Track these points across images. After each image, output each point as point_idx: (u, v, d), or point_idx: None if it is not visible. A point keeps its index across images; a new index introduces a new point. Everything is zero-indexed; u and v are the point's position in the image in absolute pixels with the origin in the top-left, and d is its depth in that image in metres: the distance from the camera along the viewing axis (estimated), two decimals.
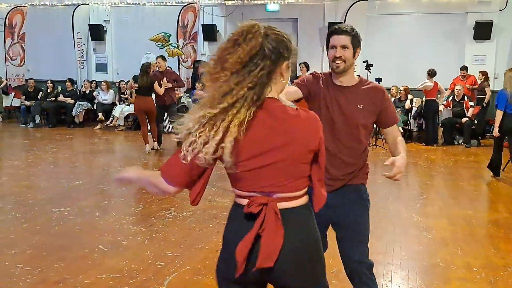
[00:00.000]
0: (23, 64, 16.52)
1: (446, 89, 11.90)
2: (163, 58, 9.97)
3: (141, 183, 2.08)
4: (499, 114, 7.61)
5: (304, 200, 1.99)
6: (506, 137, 7.79)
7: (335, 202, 2.80)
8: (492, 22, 12.92)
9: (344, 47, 2.75)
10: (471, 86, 12.18)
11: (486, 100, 11.97)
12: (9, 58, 16.31)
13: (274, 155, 1.88)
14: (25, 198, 6.27)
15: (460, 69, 12.35)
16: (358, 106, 2.82)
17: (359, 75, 2.99)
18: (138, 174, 2.12)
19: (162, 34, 12.48)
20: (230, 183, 2.00)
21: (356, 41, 2.77)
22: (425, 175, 8.32)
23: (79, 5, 15.74)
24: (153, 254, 4.44)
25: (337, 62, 2.76)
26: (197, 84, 13.42)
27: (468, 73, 12.33)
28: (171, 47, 12.60)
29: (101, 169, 8.28)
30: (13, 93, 15.77)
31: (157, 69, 9.98)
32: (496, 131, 7.70)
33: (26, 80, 15.29)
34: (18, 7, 16.23)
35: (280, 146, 1.88)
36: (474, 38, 13.14)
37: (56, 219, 5.43)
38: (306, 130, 1.93)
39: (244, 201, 1.94)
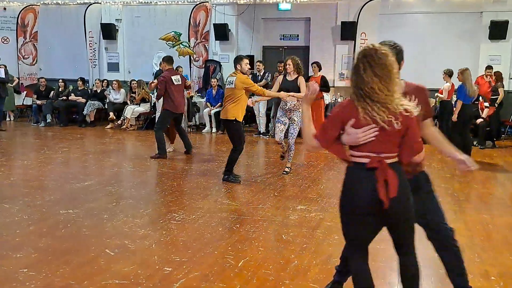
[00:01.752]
0: (35, 63, 16.57)
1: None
2: (164, 59, 9.50)
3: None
4: (459, 104, 9.44)
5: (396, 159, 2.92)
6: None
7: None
8: (508, 21, 12.73)
9: None
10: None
11: (498, 101, 11.81)
12: (22, 57, 16.36)
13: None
14: (33, 199, 6.21)
15: (486, 69, 12.11)
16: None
17: (403, 79, 3.36)
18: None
19: (173, 33, 12.37)
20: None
21: (399, 56, 3.21)
22: (439, 177, 8.13)
23: (91, 4, 15.74)
24: (160, 259, 4.34)
25: None
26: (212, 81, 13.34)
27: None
28: (182, 46, 12.49)
29: (110, 170, 8.22)
30: (25, 92, 15.80)
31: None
32: (455, 117, 9.61)
33: (38, 79, 15.31)
34: (30, 6, 16.27)
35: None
36: (490, 38, 12.95)
37: (63, 221, 5.35)
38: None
39: (363, 159, 2.86)
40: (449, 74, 11.02)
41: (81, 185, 7.02)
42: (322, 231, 5.20)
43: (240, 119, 7.20)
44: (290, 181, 7.56)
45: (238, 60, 7.29)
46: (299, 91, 7.48)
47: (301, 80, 7.65)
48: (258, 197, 6.60)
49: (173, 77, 9.12)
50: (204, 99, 13.59)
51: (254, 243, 4.83)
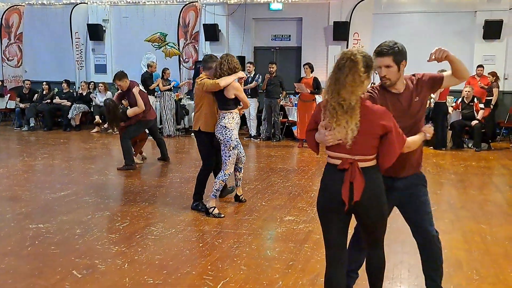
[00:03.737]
0: (20, 65, 16.14)
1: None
2: (120, 77, 8.43)
3: None
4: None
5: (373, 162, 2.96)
6: None
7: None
8: (502, 21, 12.55)
9: (387, 66, 3.15)
10: (486, 86, 11.69)
11: (493, 102, 11.56)
12: (6, 59, 15.93)
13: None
14: (2, 212, 5.81)
15: (477, 67, 11.91)
16: (415, 99, 3.29)
17: (414, 74, 3.40)
18: None
19: (158, 34, 12.03)
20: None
21: (399, 57, 3.15)
22: (435, 182, 7.78)
23: (78, 4, 15.35)
24: (132, 282, 3.95)
25: (383, 80, 3.21)
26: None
27: (483, 74, 11.92)
28: (168, 47, 12.15)
29: (91, 178, 7.81)
30: (8, 95, 15.35)
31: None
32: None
33: (23, 81, 14.89)
34: (15, 6, 15.86)
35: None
36: (484, 38, 12.75)
37: (31, 237, 4.96)
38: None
39: (336, 161, 2.94)
40: None
41: (56, 196, 6.62)
42: (310, 246, 4.85)
43: (205, 129, 5.88)
44: (279, 189, 7.21)
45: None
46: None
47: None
48: (244, 207, 6.24)
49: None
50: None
51: (236, 260, 4.46)
